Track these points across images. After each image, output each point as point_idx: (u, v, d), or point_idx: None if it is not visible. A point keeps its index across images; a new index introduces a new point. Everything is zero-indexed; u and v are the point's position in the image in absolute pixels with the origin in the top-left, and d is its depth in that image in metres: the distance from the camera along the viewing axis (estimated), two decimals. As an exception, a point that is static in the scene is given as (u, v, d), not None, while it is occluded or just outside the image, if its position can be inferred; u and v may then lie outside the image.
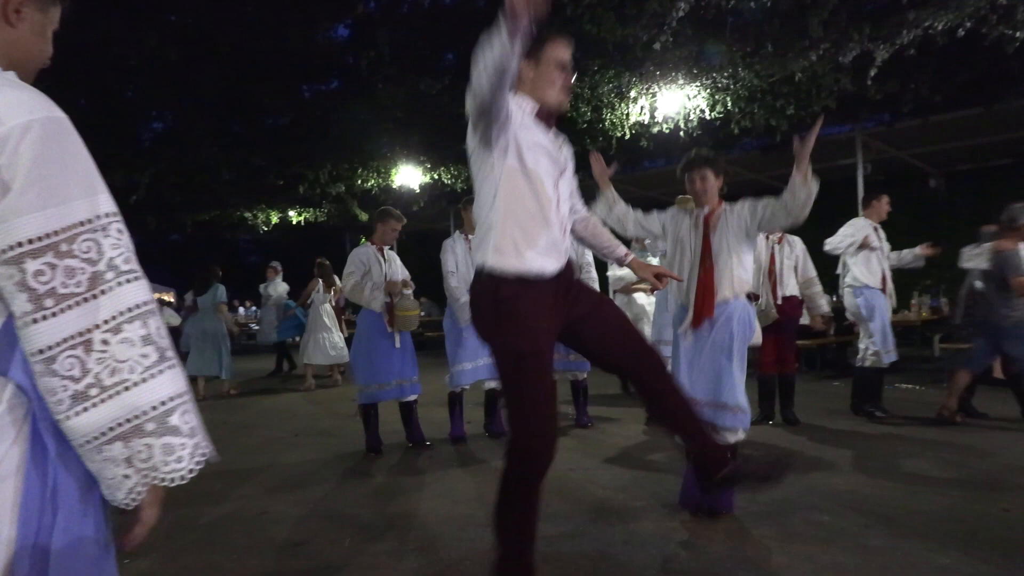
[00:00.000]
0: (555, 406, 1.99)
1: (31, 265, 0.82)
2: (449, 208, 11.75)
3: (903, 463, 3.88)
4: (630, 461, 4.14)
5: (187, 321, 8.87)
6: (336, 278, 8.77)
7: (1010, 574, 2.37)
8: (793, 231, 5.21)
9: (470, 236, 4.90)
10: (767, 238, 5.10)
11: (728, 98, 6.82)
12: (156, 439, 0.87)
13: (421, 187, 10.39)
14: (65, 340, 0.83)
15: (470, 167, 2.07)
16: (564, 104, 2.12)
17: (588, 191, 2.66)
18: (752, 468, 2.56)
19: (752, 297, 3.15)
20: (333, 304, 8.55)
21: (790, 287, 5.06)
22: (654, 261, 5.20)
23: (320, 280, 8.47)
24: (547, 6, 1.62)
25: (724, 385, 2.92)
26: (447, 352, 4.86)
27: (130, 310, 0.87)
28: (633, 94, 6.91)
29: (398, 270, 4.77)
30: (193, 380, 7.61)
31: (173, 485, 0.89)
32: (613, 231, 2.72)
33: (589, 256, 4.85)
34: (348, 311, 9.60)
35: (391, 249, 4.90)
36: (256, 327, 14.21)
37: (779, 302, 4.99)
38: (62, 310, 0.83)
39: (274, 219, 13.09)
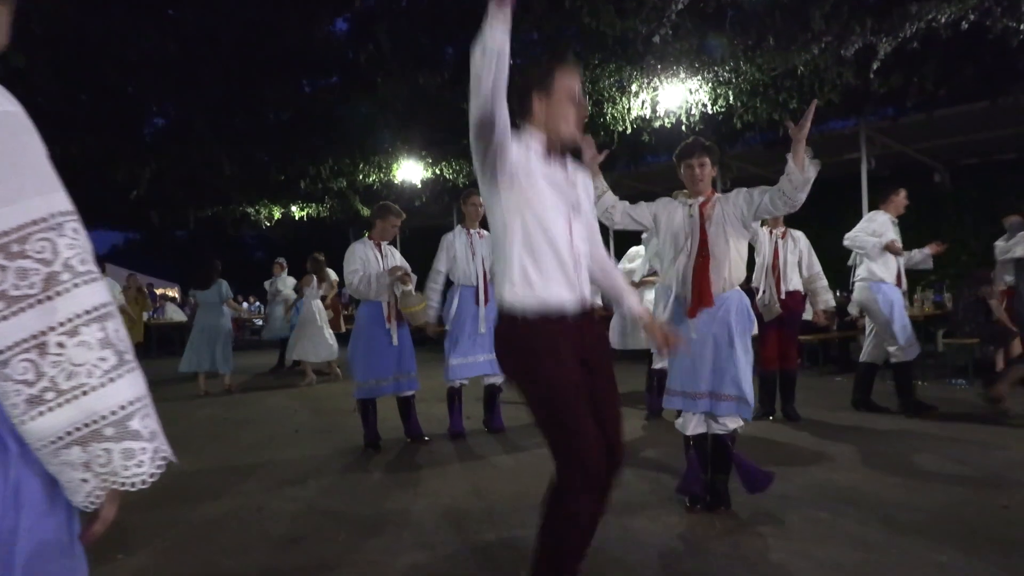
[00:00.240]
0: (595, 425, 1.92)
1: None
2: (452, 203, 11.72)
3: (903, 459, 3.86)
4: (627, 457, 4.12)
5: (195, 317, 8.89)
6: (330, 272, 8.77)
7: (1009, 571, 2.35)
8: (796, 226, 5.20)
9: (471, 230, 4.89)
10: (771, 233, 5.07)
11: (730, 92, 6.77)
12: (115, 444, 0.85)
13: (423, 182, 10.37)
14: (18, 344, 0.80)
15: (480, 191, 2.04)
16: (577, 138, 2.08)
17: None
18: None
19: (748, 289, 3.14)
20: (324, 297, 8.55)
21: (793, 282, 5.04)
22: (651, 252, 5.19)
23: (314, 275, 8.47)
24: None
25: (727, 375, 2.92)
26: (444, 347, 4.86)
27: (87, 312, 0.84)
28: (634, 88, 6.87)
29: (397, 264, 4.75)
30: (194, 376, 7.65)
31: (134, 489, 0.88)
32: (600, 224, 2.67)
33: None
34: (351, 307, 9.59)
35: (390, 245, 4.88)
36: (260, 323, 14.24)
37: (782, 297, 4.97)
38: (14, 313, 0.80)
39: (276, 214, 13.09)
